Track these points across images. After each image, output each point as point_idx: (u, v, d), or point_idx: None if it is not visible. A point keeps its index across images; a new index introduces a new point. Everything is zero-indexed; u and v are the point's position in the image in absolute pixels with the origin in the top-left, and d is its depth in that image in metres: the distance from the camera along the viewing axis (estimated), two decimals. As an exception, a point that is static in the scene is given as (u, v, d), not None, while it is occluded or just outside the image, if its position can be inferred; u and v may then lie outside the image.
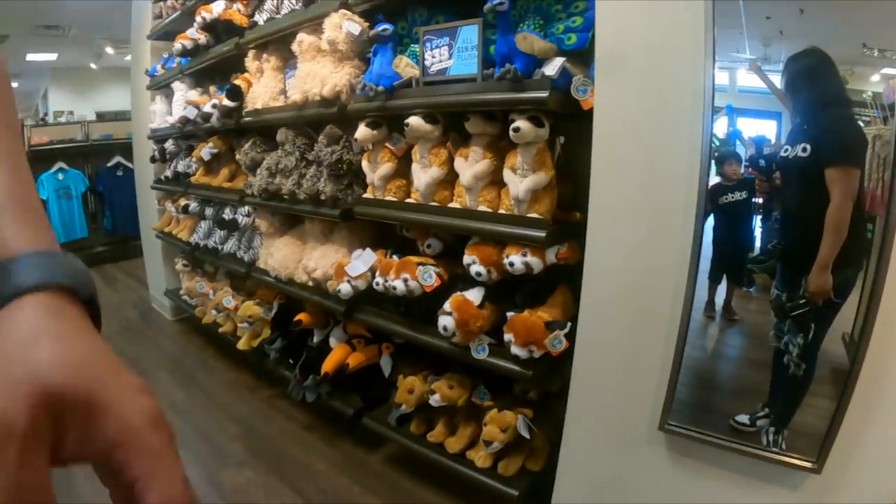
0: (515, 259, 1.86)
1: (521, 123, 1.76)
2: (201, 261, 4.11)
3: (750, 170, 1.54)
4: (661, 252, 1.59)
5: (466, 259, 2.01)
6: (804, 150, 1.36)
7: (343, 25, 2.35)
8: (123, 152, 6.77)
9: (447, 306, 2.00)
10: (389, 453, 2.77)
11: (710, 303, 1.60)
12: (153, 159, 4.51)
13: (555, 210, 1.90)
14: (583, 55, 1.80)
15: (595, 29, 1.66)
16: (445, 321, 1.98)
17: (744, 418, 1.54)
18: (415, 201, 2.20)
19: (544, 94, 1.70)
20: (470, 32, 1.94)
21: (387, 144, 2.28)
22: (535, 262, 1.84)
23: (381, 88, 2.17)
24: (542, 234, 1.78)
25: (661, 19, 1.51)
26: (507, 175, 1.88)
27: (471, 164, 1.97)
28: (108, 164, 7.00)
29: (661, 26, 1.51)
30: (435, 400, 2.21)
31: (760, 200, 1.55)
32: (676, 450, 1.69)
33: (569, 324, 1.83)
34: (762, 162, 1.50)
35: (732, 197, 1.58)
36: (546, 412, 2.17)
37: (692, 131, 1.47)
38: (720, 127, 1.49)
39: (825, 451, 1.40)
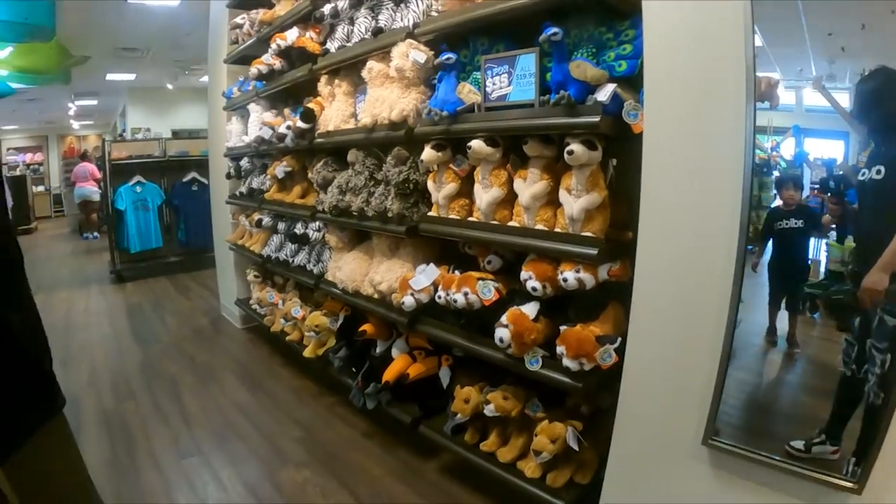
0: (569, 275, 1.95)
1: (575, 146, 1.87)
2: (272, 272, 4.34)
3: (817, 192, 1.54)
4: (707, 271, 1.64)
5: (523, 275, 2.11)
6: (878, 172, 1.34)
7: (410, 54, 2.51)
8: (198, 168, 7.16)
9: (504, 319, 2.10)
10: (444, 463, 2.85)
11: (772, 329, 1.62)
12: (229, 175, 4.77)
13: (607, 229, 1.99)
14: (633, 81, 1.88)
15: (644, 56, 1.74)
16: (502, 333, 2.09)
17: (799, 444, 1.53)
18: (476, 220, 2.33)
19: (596, 119, 1.81)
20: (528, 61, 2.07)
21: (451, 166, 2.42)
22: (588, 279, 1.93)
23: (445, 113, 2.31)
24: (595, 251, 1.87)
25: (705, 47, 1.57)
26: (563, 195, 1.98)
27: (529, 185, 2.09)
28: (184, 180, 7.39)
29: (705, 54, 1.57)
30: (489, 410, 2.31)
31: (833, 224, 1.53)
32: (720, 466, 1.72)
33: (619, 339, 1.91)
34: (832, 184, 1.48)
35: (788, 223, 1.61)
36: (596, 427, 2.23)
37: (735, 153, 1.50)
38: (787, 148, 1.51)
39: (866, 472, 1.37)
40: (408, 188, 2.62)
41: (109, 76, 10.93)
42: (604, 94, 1.85)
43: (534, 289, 2.07)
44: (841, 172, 1.47)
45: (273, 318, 4.16)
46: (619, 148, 2.01)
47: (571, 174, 1.96)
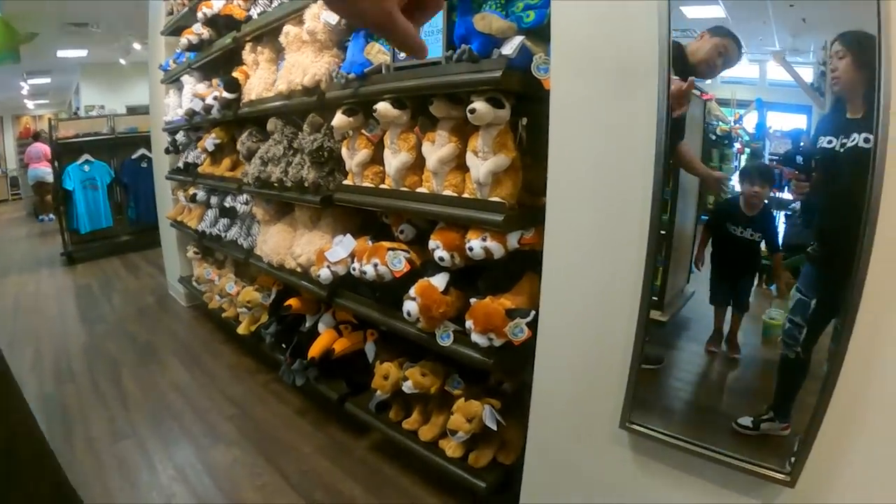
0: (475, 243, 1.84)
1: (478, 104, 1.74)
2: (211, 249, 4.18)
3: (777, 164, 1.40)
4: (621, 238, 1.54)
5: (431, 244, 1.99)
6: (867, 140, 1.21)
7: (321, 15, 2.37)
8: (147, 145, 6.90)
9: (412, 291, 1.99)
10: (374, 441, 2.77)
11: (718, 332, 1.52)
12: (167, 151, 4.62)
13: (520, 194, 1.87)
14: (547, 33, 1.73)
15: (551, 2, 1.61)
16: (409, 306, 1.98)
17: (746, 420, 1.44)
18: (388, 187, 2.20)
19: (497, 74, 1.68)
20: (435, 17, 1.92)
21: (363, 131, 2.28)
22: (496, 247, 1.82)
23: (352, 76, 2.18)
24: (500, 217, 1.75)
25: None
26: (470, 158, 1.85)
27: (436, 149, 1.96)
28: (133, 157, 7.16)
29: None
30: (408, 387, 2.21)
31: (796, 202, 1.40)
32: (640, 450, 1.63)
33: (533, 312, 1.79)
34: (800, 159, 1.34)
35: (743, 233, 1.48)
36: (520, 404, 2.13)
37: (649, 109, 1.40)
38: (749, 121, 1.42)
39: (799, 463, 1.31)
40: (322, 156, 2.49)
41: (60, 53, 10.56)
42: (509, 48, 1.71)
43: (441, 259, 1.95)
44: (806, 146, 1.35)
45: (211, 295, 4.03)
46: (532, 106, 1.87)
47: (478, 135, 1.83)
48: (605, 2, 1.48)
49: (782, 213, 1.42)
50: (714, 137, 1.46)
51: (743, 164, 1.47)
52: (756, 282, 1.48)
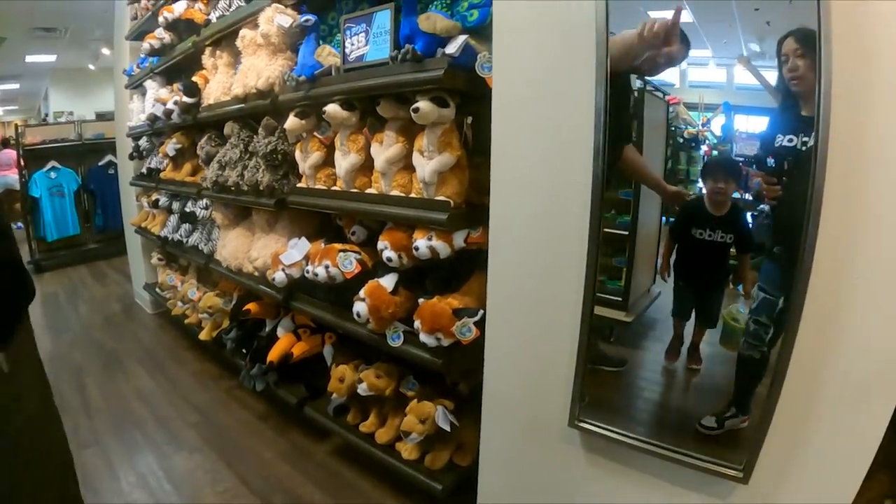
0: (421, 243, 1.83)
1: (422, 104, 1.74)
2: (174, 255, 4.14)
3: (745, 168, 1.37)
4: (564, 236, 1.53)
5: (380, 245, 1.99)
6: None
7: (275, 18, 2.36)
8: (115, 151, 6.81)
9: (361, 292, 1.98)
10: (335, 444, 2.75)
11: (678, 338, 1.49)
12: (131, 157, 4.56)
13: (467, 193, 1.87)
14: (490, 32, 1.73)
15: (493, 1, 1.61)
16: (359, 307, 1.97)
17: (710, 421, 1.43)
18: (339, 188, 2.19)
19: (440, 73, 1.68)
20: (383, 17, 1.93)
21: (315, 134, 2.27)
22: (441, 247, 1.81)
23: (302, 78, 2.17)
24: (445, 216, 1.75)
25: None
26: (416, 158, 1.85)
27: (384, 149, 1.95)
28: (100, 163, 7.03)
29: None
30: (363, 389, 2.20)
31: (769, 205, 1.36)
32: (592, 449, 1.63)
33: (480, 311, 1.79)
34: (772, 162, 1.31)
35: (712, 235, 1.44)
36: (475, 405, 2.12)
37: (587, 101, 1.39)
38: (717, 125, 1.41)
39: (752, 460, 1.32)
40: (276, 159, 2.47)
41: (29, 58, 10.40)
42: (453, 47, 1.72)
43: (389, 259, 1.94)
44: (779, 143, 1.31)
45: (174, 302, 3.99)
46: (477, 105, 1.86)
47: (423, 135, 1.83)
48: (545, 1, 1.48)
49: (749, 213, 1.41)
50: (682, 140, 1.45)
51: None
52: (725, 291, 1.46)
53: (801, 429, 1.28)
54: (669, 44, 1.33)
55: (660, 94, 1.44)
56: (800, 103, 1.26)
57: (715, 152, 1.42)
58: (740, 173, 1.37)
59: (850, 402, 1.22)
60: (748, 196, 1.38)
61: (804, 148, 1.22)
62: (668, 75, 1.37)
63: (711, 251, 1.44)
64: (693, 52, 1.34)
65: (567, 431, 1.61)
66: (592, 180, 1.42)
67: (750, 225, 1.38)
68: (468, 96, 1.83)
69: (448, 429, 1.99)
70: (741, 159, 1.38)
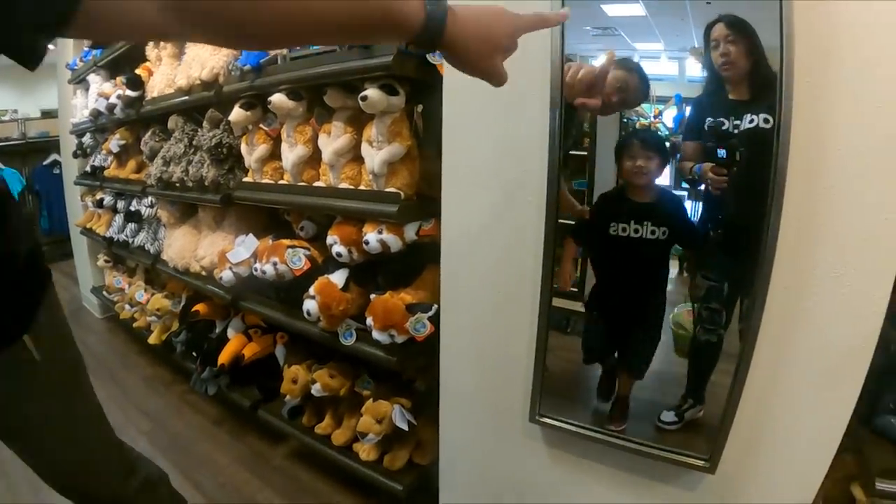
0: (371, 237, 1.77)
1: (370, 91, 1.67)
2: (121, 256, 3.99)
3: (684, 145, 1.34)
4: (519, 226, 1.49)
5: (329, 239, 1.92)
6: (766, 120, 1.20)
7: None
8: (59, 150, 6.58)
9: (311, 290, 1.91)
10: (292, 447, 2.67)
11: (608, 377, 1.45)
12: (75, 154, 4.36)
13: (419, 184, 1.81)
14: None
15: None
16: (309, 305, 1.90)
17: (669, 415, 1.41)
18: (286, 182, 2.10)
19: (388, 59, 1.61)
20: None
21: (262, 126, 2.18)
22: (392, 240, 1.75)
23: (247, 67, 2.08)
24: (395, 208, 1.68)
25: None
26: (365, 149, 1.78)
27: (332, 140, 1.88)
28: (45, 163, 6.78)
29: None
30: (316, 389, 2.12)
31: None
32: (554, 443, 1.59)
33: (434, 306, 1.73)
34: (722, 152, 1.26)
35: (639, 230, 1.33)
36: (433, 402, 2.06)
37: (544, 87, 1.35)
38: (669, 117, 1.37)
39: (718, 449, 1.30)
40: (221, 153, 2.37)
41: (-32, 53, 10.05)
42: (403, 32, 1.64)
43: (339, 254, 1.87)
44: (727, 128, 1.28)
45: (122, 305, 3.84)
46: (429, 93, 1.80)
47: (372, 125, 1.76)
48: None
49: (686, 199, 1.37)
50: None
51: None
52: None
53: (766, 415, 1.27)
54: (595, 94, 1.30)
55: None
56: (727, 87, 1.25)
57: (667, 143, 1.37)
58: (664, 148, 1.33)
59: (816, 387, 1.21)
60: (689, 183, 1.34)
61: (735, 131, 1.23)
62: None
63: (639, 254, 1.36)
64: (645, 46, 1.34)
65: (528, 427, 1.58)
66: (548, 168, 1.37)
67: (686, 210, 1.33)
68: (419, 84, 1.77)
69: (406, 428, 1.93)
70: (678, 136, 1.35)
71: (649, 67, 1.34)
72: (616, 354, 1.46)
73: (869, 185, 1.10)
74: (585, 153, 1.45)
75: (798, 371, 1.22)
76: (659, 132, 1.36)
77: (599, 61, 1.33)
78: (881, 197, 1.09)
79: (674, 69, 1.35)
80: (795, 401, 1.24)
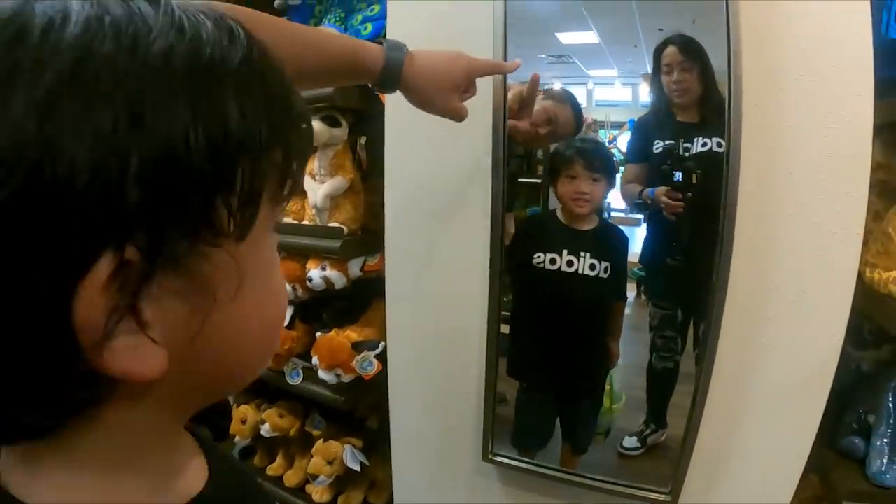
0: (314, 273, 1.70)
1: (313, 123, 1.62)
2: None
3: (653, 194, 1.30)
4: (464, 257, 1.44)
5: (272, 277, 1.84)
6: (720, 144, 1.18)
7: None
8: None
9: (256, 328, 1.83)
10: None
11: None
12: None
13: (363, 218, 1.76)
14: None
15: (388, 13, 1.52)
16: (254, 345, 1.82)
17: (632, 441, 1.38)
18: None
19: (329, 90, 1.56)
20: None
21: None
22: (336, 276, 1.69)
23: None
24: (338, 244, 1.63)
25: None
26: (307, 182, 1.72)
27: (273, 174, 1.82)
28: None
29: (454, 8, 1.38)
30: (266, 430, 2.04)
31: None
32: (510, 483, 1.54)
33: (382, 344, 1.68)
34: (679, 176, 1.23)
35: (573, 263, 1.24)
36: (387, 441, 2.00)
37: (486, 112, 1.30)
38: (623, 142, 1.37)
39: (679, 481, 1.27)
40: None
41: None
42: (345, 63, 1.60)
43: (282, 292, 1.80)
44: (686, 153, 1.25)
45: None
46: (372, 124, 1.76)
47: (315, 157, 1.71)
48: (441, 7, 1.40)
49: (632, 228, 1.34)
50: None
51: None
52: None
53: (727, 443, 1.26)
54: (523, 117, 1.28)
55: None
56: (674, 109, 1.24)
57: (622, 168, 1.34)
58: (613, 168, 1.29)
59: (778, 411, 1.21)
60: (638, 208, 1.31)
61: (687, 154, 1.21)
62: (576, 96, 1.35)
63: (573, 296, 1.28)
64: (600, 72, 1.36)
65: (482, 466, 1.52)
66: (492, 198, 1.33)
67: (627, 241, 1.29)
68: (362, 115, 1.74)
69: (357, 468, 1.86)
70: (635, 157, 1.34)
71: (603, 94, 1.34)
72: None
73: (819, 204, 1.11)
74: (539, 181, 1.41)
75: (758, 396, 1.21)
76: (605, 146, 1.32)
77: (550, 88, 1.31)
78: (833, 216, 1.11)
79: (627, 95, 1.35)
80: (757, 426, 1.23)
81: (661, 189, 1.23)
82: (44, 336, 0.29)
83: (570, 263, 1.24)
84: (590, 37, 1.33)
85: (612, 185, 1.30)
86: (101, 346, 0.30)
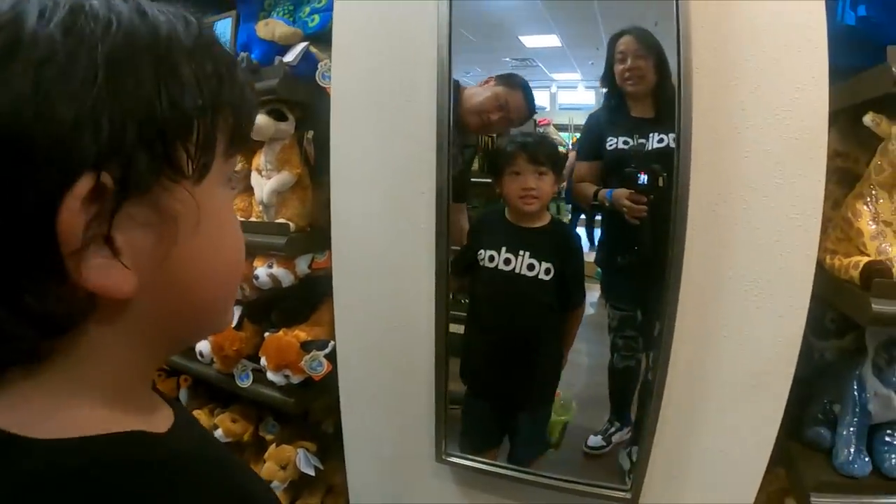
0: (261, 271, 1.66)
1: (258, 117, 1.57)
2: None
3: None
4: (412, 253, 1.41)
5: (219, 276, 1.79)
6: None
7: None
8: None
9: (203, 329, 1.78)
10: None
11: None
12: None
13: (311, 215, 1.72)
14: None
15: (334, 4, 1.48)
16: (201, 345, 1.80)
17: (597, 440, 1.35)
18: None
19: (274, 83, 1.53)
20: (224, 27, 1.81)
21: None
22: (283, 274, 1.65)
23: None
24: (283, 241, 1.59)
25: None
26: (254, 177, 1.69)
27: (220, 170, 1.77)
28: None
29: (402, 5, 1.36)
30: (219, 435, 1.98)
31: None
32: (468, 483, 1.51)
33: (331, 343, 1.64)
34: (643, 178, 1.19)
35: (510, 262, 1.19)
36: (343, 444, 1.96)
37: (430, 107, 1.28)
38: None
39: (639, 479, 1.25)
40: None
41: None
42: (291, 55, 1.60)
43: (230, 291, 1.75)
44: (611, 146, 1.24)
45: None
46: (320, 119, 1.71)
47: (261, 152, 1.67)
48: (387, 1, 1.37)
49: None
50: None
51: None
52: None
53: (687, 438, 1.25)
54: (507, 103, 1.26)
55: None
56: (629, 104, 1.22)
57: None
58: (559, 161, 1.25)
59: (740, 401, 1.21)
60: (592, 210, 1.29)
61: (643, 151, 1.19)
62: (540, 99, 1.33)
63: (514, 298, 1.24)
64: (563, 76, 1.35)
65: (436, 467, 1.49)
66: (436, 193, 1.30)
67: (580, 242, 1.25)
68: (309, 109, 1.70)
69: (312, 473, 1.82)
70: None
71: (566, 97, 1.35)
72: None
73: (776, 188, 1.11)
74: None
75: (718, 389, 1.21)
76: (549, 137, 1.29)
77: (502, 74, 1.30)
78: (790, 200, 1.11)
79: (590, 98, 1.35)
80: (718, 420, 1.22)
81: (622, 192, 1.20)
82: (34, 236, 0.35)
83: (507, 261, 1.20)
84: (552, 40, 1.31)
85: (559, 178, 1.26)
86: (80, 260, 0.37)
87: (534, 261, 1.15)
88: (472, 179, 1.43)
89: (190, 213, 0.43)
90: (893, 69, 1.05)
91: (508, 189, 1.19)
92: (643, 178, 1.18)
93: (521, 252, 1.15)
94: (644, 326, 1.27)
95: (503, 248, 1.15)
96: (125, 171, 0.37)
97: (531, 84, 1.30)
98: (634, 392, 1.29)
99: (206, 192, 0.45)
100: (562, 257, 1.20)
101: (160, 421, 0.50)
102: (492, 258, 1.15)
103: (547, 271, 1.15)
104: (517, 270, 1.15)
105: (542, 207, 1.23)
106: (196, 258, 0.46)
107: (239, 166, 1.73)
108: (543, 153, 1.20)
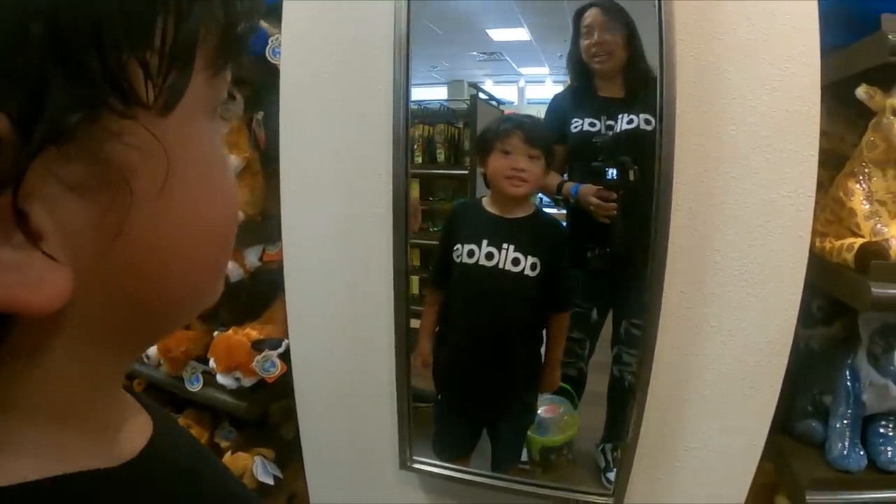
0: (207, 264, 1.53)
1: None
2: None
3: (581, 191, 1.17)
4: (369, 245, 1.31)
5: (164, 270, 1.67)
6: (647, 121, 1.06)
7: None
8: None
9: (148, 329, 1.66)
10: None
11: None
12: None
13: (263, 203, 1.62)
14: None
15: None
16: (148, 348, 1.65)
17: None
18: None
19: (217, 56, 1.39)
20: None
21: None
22: (231, 267, 1.55)
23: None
24: (231, 231, 1.46)
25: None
26: (201, 164, 1.56)
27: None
28: None
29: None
30: (172, 442, 1.86)
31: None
32: (434, 491, 1.43)
33: (285, 342, 1.53)
34: (612, 173, 1.08)
35: (492, 256, 1.08)
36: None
37: (387, 91, 1.19)
38: None
39: (622, 484, 1.18)
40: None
41: None
42: (238, 29, 1.44)
43: (173, 289, 1.63)
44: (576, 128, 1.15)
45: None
46: (271, 100, 1.61)
47: (208, 136, 1.54)
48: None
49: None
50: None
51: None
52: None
53: (673, 436, 1.20)
54: None
55: (494, 104, 1.34)
56: (596, 83, 1.14)
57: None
58: (551, 148, 1.14)
59: (728, 396, 1.16)
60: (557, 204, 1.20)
61: (610, 133, 1.11)
62: (507, 94, 1.33)
63: (495, 297, 1.13)
64: (531, 70, 1.35)
65: (401, 474, 1.39)
66: (393, 176, 1.19)
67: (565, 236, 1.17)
68: (259, 88, 1.59)
69: (270, 482, 1.70)
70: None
71: (534, 92, 1.31)
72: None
73: (766, 165, 1.06)
74: (466, 171, 1.32)
75: (705, 383, 1.16)
76: (544, 122, 1.20)
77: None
78: (781, 177, 1.06)
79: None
80: (706, 416, 1.17)
81: (589, 188, 1.09)
82: None
83: (489, 256, 1.07)
84: (521, 33, 1.27)
85: (549, 166, 1.14)
86: None
87: (519, 255, 1.03)
88: (438, 171, 1.36)
89: (154, 162, 0.28)
90: (890, 37, 0.99)
91: (495, 167, 1.07)
92: (612, 172, 1.08)
93: (505, 245, 1.03)
94: (594, 329, 1.22)
95: (484, 241, 1.03)
96: (32, 106, 0.22)
97: (499, 79, 1.29)
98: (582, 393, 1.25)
99: (181, 128, 0.29)
100: (549, 251, 1.08)
101: (131, 438, 0.37)
102: (471, 253, 1.03)
103: (533, 266, 1.03)
104: (501, 265, 1.03)
105: (528, 195, 1.11)
106: (166, 230, 0.31)
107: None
108: (539, 135, 1.09)
